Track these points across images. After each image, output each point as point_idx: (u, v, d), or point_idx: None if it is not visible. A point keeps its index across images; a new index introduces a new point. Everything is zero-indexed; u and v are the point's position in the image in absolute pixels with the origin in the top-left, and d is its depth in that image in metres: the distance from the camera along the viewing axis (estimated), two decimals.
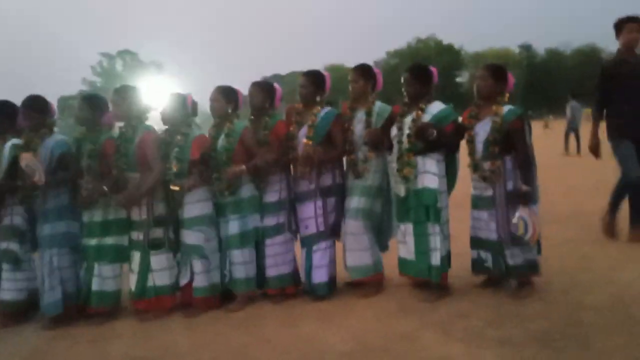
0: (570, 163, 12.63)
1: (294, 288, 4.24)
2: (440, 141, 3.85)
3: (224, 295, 4.18)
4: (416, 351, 3.08)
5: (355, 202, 4.12)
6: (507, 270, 3.83)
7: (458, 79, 52.09)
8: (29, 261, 4.22)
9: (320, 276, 4.11)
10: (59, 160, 4.14)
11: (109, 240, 4.13)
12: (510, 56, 49.97)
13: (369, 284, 4.16)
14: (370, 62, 4.53)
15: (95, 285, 4.08)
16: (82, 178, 4.08)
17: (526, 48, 51.35)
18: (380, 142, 4.09)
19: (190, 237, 4.06)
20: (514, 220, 3.69)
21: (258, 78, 4.55)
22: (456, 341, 3.16)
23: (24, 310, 4.23)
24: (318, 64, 53.08)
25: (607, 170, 5.65)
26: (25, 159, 3.96)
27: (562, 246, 4.96)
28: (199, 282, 4.05)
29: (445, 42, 52.62)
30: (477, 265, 4.06)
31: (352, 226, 4.10)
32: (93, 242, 4.12)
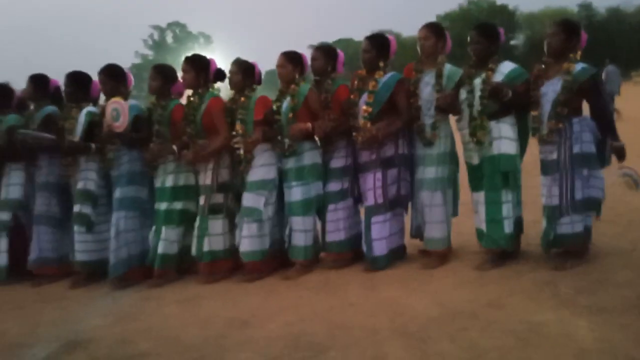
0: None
1: (351, 254, 4.23)
2: (514, 102, 3.71)
3: (282, 262, 4.24)
4: (507, 318, 3.05)
5: (431, 172, 4.03)
6: (556, 240, 3.69)
7: (512, 42, 49.96)
8: (102, 224, 4.41)
9: (379, 249, 4.07)
10: (134, 123, 4.27)
11: (178, 205, 4.28)
12: (569, 16, 47.71)
13: (436, 255, 4.11)
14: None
15: (160, 248, 4.24)
16: (151, 141, 4.23)
17: (585, 7, 48.73)
18: (453, 106, 3.93)
19: (249, 199, 4.09)
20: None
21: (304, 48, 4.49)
22: (547, 309, 3.11)
23: (98, 272, 4.43)
24: (368, 32, 52.11)
25: None
26: (115, 102, 4.15)
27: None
28: (247, 245, 4.08)
29: (499, 2, 50.74)
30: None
31: (430, 197, 4.04)
32: (163, 206, 4.27)
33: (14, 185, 4.66)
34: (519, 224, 3.94)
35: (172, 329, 3.41)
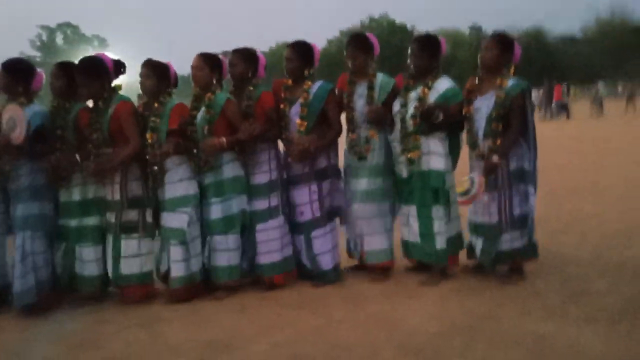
0: None
1: (285, 276, 3.92)
2: (446, 122, 3.69)
3: (206, 282, 3.88)
4: (507, 330, 3.01)
5: (363, 184, 3.93)
6: (499, 256, 3.72)
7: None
8: (1, 246, 3.84)
9: (326, 263, 3.92)
10: (37, 132, 3.75)
11: (90, 221, 3.83)
12: (460, 37, 50.70)
13: (379, 269, 4.00)
14: (324, 42, 4.25)
15: (78, 269, 3.82)
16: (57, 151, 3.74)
17: (476, 29, 52.23)
18: (384, 119, 3.89)
19: (171, 219, 3.72)
20: (464, 177, 3.60)
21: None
22: (543, 320, 3.11)
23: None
24: (266, 45, 52.04)
25: None
26: (11, 110, 3.63)
27: None
28: (177, 271, 3.71)
29: (398, 21, 52.97)
30: (470, 251, 3.97)
31: (363, 210, 3.94)
32: (73, 223, 3.81)
33: None
34: (457, 239, 3.91)
35: (144, 357, 3.01)
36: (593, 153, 10.28)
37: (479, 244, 3.80)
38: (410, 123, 3.76)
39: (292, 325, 3.29)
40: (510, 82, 3.63)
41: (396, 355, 2.81)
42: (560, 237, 4.69)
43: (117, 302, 3.83)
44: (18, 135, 3.62)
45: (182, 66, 4.47)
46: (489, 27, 53.91)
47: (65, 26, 58.68)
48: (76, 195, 3.81)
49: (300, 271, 4.02)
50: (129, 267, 3.78)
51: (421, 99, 3.73)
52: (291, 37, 4.61)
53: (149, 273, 3.87)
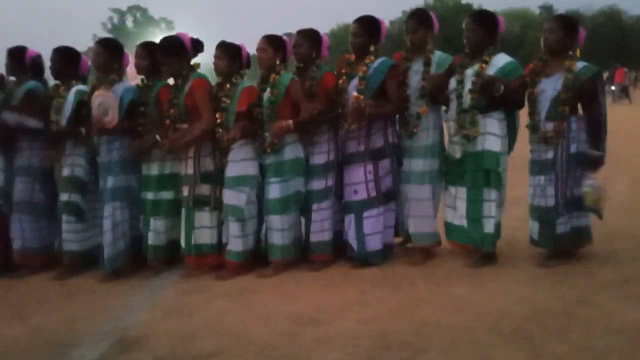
0: None
1: (333, 255, 3.97)
2: (506, 98, 3.55)
3: (260, 259, 3.96)
4: (604, 316, 2.90)
5: (419, 164, 3.86)
6: (556, 241, 3.61)
7: None
8: (93, 211, 4.10)
9: (374, 244, 3.86)
10: (128, 109, 3.93)
11: (165, 195, 4.00)
12: (530, 17, 48.74)
13: (420, 251, 3.97)
14: (387, 22, 4.14)
15: (150, 239, 3.99)
16: (142, 127, 3.93)
17: (547, 9, 50.01)
18: (442, 91, 3.77)
19: (230, 197, 3.81)
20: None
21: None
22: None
23: (87, 262, 4.14)
24: (327, 25, 51.67)
25: None
26: (101, 96, 3.78)
27: None
28: (233, 245, 3.84)
29: (464, 1, 51.41)
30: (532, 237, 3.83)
31: (417, 191, 3.88)
32: (150, 195, 3.99)
33: None
34: (500, 225, 3.80)
35: (233, 326, 3.10)
36: None
37: (535, 227, 3.71)
38: (467, 99, 3.66)
39: (377, 302, 3.30)
40: (579, 65, 3.52)
41: (488, 337, 2.77)
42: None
43: (202, 274, 3.96)
44: (111, 119, 3.81)
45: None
46: (561, 6, 51.19)
47: (135, 9, 60.43)
48: (154, 169, 3.98)
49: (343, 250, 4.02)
50: (203, 237, 3.93)
51: (479, 74, 3.62)
52: (349, 19, 4.57)
53: (220, 244, 3.99)
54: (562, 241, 3.62)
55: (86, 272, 4.12)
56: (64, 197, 4.03)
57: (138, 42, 4.16)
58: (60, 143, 4.04)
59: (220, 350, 2.81)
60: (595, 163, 3.53)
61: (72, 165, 4.04)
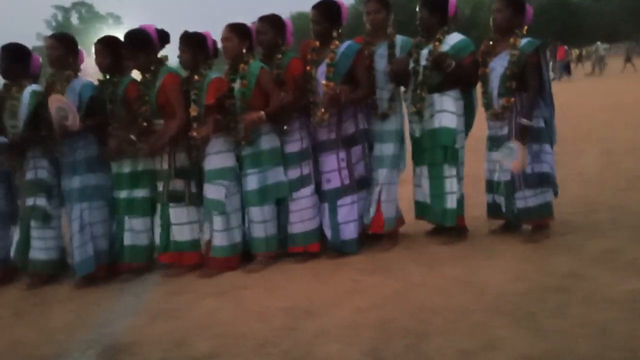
0: None
1: (318, 245, 3.88)
2: (458, 74, 3.64)
3: (243, 254, 3.88)
4: (599, 289, 2.92)
5: (388, 148, 3.86)
6: (518, 214, 3.72)
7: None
8: (58, 217, 3.91)
9: (349, 232, 3.83)
10: (89, 105, 3.75)
11: (139, 193, 3.87)
12: (479, 0, 49.34)
13: (387, 237, 3.97)
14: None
15: (127, 240, 3.85)
16: (108, 125, 3.76)
17: None
18: (407, 72, 3.77)
19: (210, 191, 3.73)
20: (502, 147, 3.58)
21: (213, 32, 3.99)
22: (633, 277, 3.01)
23: (56, 270, 3.93)
24: (282, 12, 50.95)
25: None
26: (57, 101, 3.59)
27: None
28: (218, 240, 3.74)
29: None
30: (492, 210, 3.97)
31: (388, 176, 3.87)
32: (123, 194, 3.85)
33: None
34: (461, 200, 3.86)
35: (227, 325, 2.98)
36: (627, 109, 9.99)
37: (502, 202, 3.79)
38: (420, 75, 3.72)
39: (371, 289, 3.24)
40: (523, 41, 3.62)
41: (488, 317, 2.75)
42: (625, 195, 4.56)
43: (183, 273, 3.83)
44: (72, 122, 3.61)
45: None
46: None
47: (79, 5, 58.57)
48: (127, 167, 3.84)
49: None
50: (181, 234, 3.81)
51: (432, 51, 3.69)
52: (306, 5, 4.47)
53: (198, 241, 3.89)
54: (523, 216, 3.72)
55: (58, 281, 3.92)
56: (29, 202, 3.81)
57: (89, 39, 3.97)
58: (22, 149, 3.81)
59: (217, 351, 2.70)
60: (522, 132, 3.56)
61: (34, 168, 3.82)
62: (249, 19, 3.95)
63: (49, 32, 56.23)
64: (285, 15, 4.47)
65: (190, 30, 3.83)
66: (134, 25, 4.03)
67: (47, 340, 3.01)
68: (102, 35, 4.04)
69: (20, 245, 3.85)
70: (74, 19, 58.56)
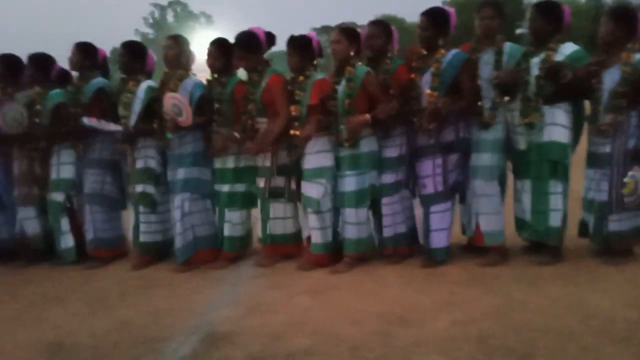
0: None
1: (408, 248, 3.93)
2: (573, 86, 3.41)
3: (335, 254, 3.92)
4: None
5: (487, 159, 3.70)
6: (608, 237, 3.48)
7: (518, 31, 49.56)
8: (165, 204, 4.15)
9: (439, 240, 3.75)
10: (198, 103, 3.94)
11: (240, 188, 4.04)
12: (575, 6, 47.24)
13: (495, 251, 3.78)
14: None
15: (226, 231, 4.04)
16: (214, 122, 3.93)
17: None
18: (515, 83, 3.59)
19: (308, 189, 3.83)
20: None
21: (307, 32, 4.06)
22: None
23: (161, 254, 4.24)
24: (372, 15, 51.02)
25: None
26: (173, 98, 3.78)
27: None
28: (315, 238, 3.86)
29: None
30: (582, 229, 3.73)
31: (487, 187, 3.71)
32: (225, 188, 4.02)
33: (65, 164, 4.23)
34: (565, 218, 3.66)
35: (320, 324, 3.01)
36: None
37: (591, 221, 3.60)
38: (533, 86, 3.55)
39: (469, 303, 3.16)
40: (637, 57, 3.38)
41: (599, 341, 2.60)
42: None
43: (273, 262, 4.03)
44: (186, 119, 3.81)
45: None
46: None
47: (175, 3, 61.08)
48: (230, 163, 4.01)
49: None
50: (276, 227, 4.02)
51: (545, 61, 3.51)
52: (396, 10, 4.43)
53: (293, 235, 4.08)
54: (615, 239, 3.52)
55: (160, 264, 4.18)
56: (138, 188, 4.08)
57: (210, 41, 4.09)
58: (133, 140, 4.07)
59: (313, 349, 2.73)
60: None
61: (145, 158, 4.09)
62: (335, 21, 4.04)
63: (146, 29, 59.44)
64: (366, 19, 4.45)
65: (277, 30, 3.98)
66: (225, 25, 4.22)
67: (153, 322, 3.17)
68: (194, 34, 4.28)
69: (135, 229, 4.20)
70: (170, 17, 61.20)
